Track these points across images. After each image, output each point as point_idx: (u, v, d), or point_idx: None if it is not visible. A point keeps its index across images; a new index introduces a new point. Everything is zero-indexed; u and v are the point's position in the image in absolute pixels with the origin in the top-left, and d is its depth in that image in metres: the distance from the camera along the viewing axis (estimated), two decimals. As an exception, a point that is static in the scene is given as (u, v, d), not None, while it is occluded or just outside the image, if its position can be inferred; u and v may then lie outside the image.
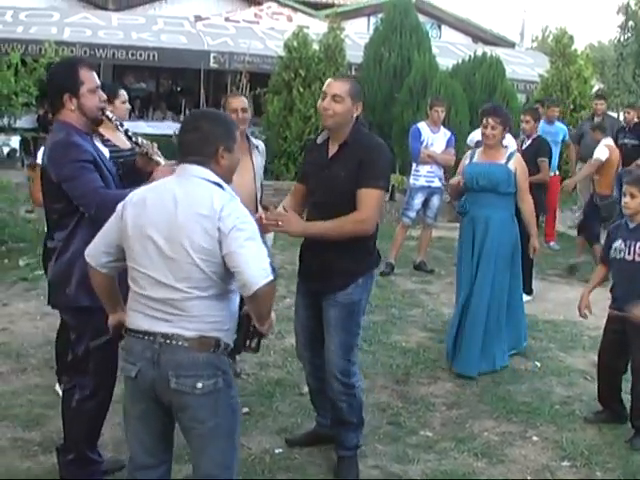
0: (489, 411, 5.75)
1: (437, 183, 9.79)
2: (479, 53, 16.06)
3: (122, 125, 4.54)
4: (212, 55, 16.88)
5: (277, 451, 5.02)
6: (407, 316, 8.05)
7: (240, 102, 5.77)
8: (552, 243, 11.85)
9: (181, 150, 3.40)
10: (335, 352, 4.59)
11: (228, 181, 3.43)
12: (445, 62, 16.39)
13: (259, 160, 5.93)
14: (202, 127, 3.36)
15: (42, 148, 5.69)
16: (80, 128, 4.12)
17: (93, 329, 4.05)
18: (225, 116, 3.62)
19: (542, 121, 10.88)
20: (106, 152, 4.66)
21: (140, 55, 16.62)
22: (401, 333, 7.48)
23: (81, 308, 4.10)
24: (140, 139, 4.52)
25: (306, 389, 5.82)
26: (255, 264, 3.17)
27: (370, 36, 16.79)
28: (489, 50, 16.56)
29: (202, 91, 16.49)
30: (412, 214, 9.88)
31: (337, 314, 4.55)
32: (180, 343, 3.26)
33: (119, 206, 3.42)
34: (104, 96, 4.25)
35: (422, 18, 18.24)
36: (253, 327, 3.45)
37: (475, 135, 10.10)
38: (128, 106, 5.83)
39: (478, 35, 23.02)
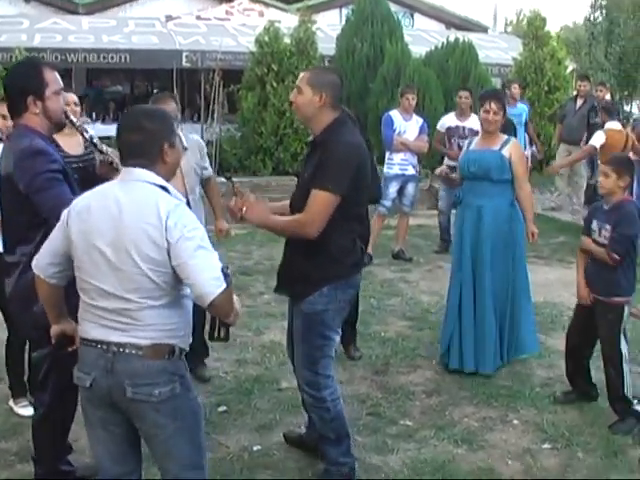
0: (469, 397, 5.70)
1: (411, 171, 9.72)
2: (452, 39, 15.98)
3: (86, 131, 4.41)
4: (184, 54, 16.72)
5: (255, 448, 4.96)
6: (386, 306, 7.99)
7: (171, 109, 5.48)
8: None
9: (123, 152, 3.27)
10: (300, 362, 4.47)
11: (171, 177, 3.34)
12: (419, 50, 16.29)
13: (190, 160, 5.73)
14: (144, 126, 3.23)
15: None
16: (43, 133, 3.92)
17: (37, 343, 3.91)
18: (163, 111, 3.50)
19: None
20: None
21: (112, 58, 16.44)
22: (380, 323, 7.42)
23: (49, 327, 3.88)
24: (105, 147, 4.40)
25: (284, 384, 5.82)
26: (207, 275, 3.09)
27: (342, 27, 16.69)
28: (462, 36, 16.48)
29: (175, 91, 16.35)
30: (387, 203, 9.78)
31: (299, 324, 4.40)
32: (134, 352, 3.19)
33: (63, 214, 3.31)
34: (67, 98, 4.11)
35: (394, 7, 18.13)
36: (219, 319, 3.40)
37: (446, 120, 10.06)
38: (78, 109, 5.68)
39: (451, 21, 22.92)
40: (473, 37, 17.19)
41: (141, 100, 20.95)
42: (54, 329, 3.56)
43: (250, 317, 7.35)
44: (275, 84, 14.87)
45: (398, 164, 9.71)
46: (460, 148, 8.24)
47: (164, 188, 3.22)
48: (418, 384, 5.97)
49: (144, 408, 3.23)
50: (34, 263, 3.40)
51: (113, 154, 4.28)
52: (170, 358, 3.26)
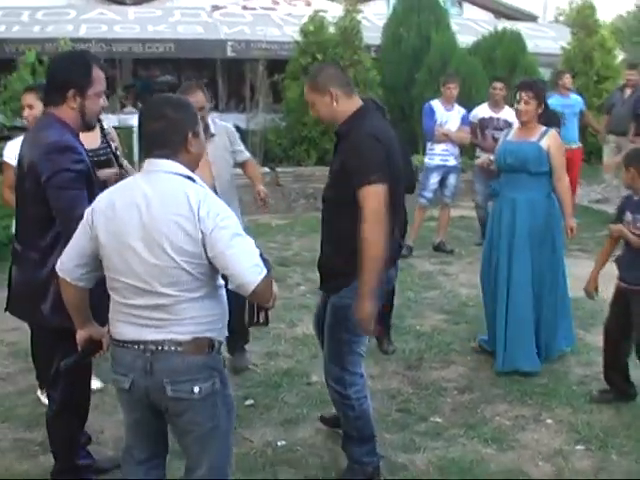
0: (502, 395, 5.53)
1: (453, 162, 9.54)
2: (500, 28, 15.72)
3: (113, 141, 4.33)
4: (229, 44, 16.70)
5: (280, 444, 4.86)
6: (423, 299, 7.84)
7: (195, 102, 5.52)
8: None
9: (146, 142, 3.15)
10: (327, 357, 4.37)
11: (195, 167, 3.23)
12: (466, 39, 16.06)
13: (218, 146, 5.69)
14: (167, 114, 3.11)
15: (9, 143, 5.53)
16: (74, 128, 3.79)
17: (64, 349, 3.74)
18: (186, 100, 3.38)
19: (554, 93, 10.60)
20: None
21: (157, 48, 16.49)
22: (416, 317, 7.28)
23: (55, 329, 3.84)
24: (125, 162, 4.32)
25: (314, 378, 5.71)
26: (246, 263, 3.00)
27: (388, 16, 16.51)
28: (510, 25, 16.20)
29: (219, 81, 16.34)
30: (428, 194, 9.66)
31: (329, 319, 4.29)
32: (173, 348, 3.10)
33: (86, 213, 3.19)
34: (105, 102, 3.98)
35: (441, -4, 17.91)
36: (257, 304, 3.31)
37: (479, 111, 9.83)
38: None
39: (500, 10, 22.61)
40: (522, 26, 16.89)
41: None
42: (80, 334, 3.46)
43: (285, 309, 7.25)
44: (321, 73, 14.73)
45: (439, 155, 9.54)
46: (495, 140, 8.06)
47: (190, 178, 3.12)
48: (451, 380, 5.82)
49: (184, 405, 3.16)
50: (59, 266, 3.28)
51: (131, 171, 4.20)
52: (210, 352, 3.17)
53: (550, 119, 7.96)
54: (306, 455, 4.70)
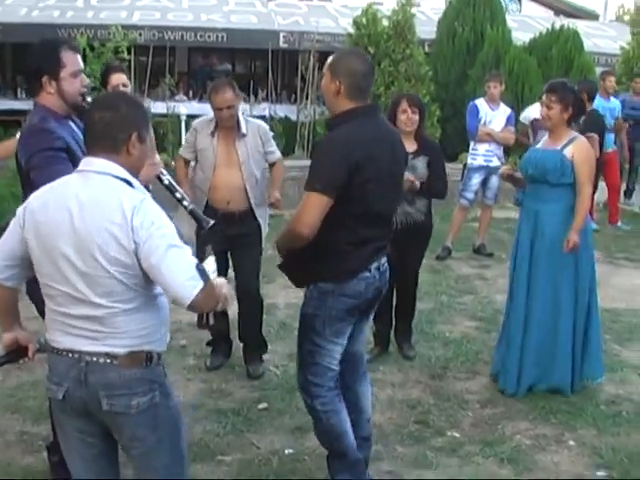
0: (526, 411, 5.28)
1: (496, 162, 9.22)
2: (557, 26, 15.33)
3: (163, 174, 4.24)
4: (281, 35, 16.58)
5: (287, 452, 4.71)
6: (456, 304, 7.60)
7: (224, 100, 5.45)
8: (619, 223, 11.20)
9: (89, 132, 2.99)
10: (298, 360, 4.22)
11: (136, 173, 3.05)
12: (523, 36, 15.74)
13: (249, 146, 5.64)
14: (118, 108, 2.96)
15: None
16: (59, 113, 3.83)
17: None
18: (141, 103, 3.20)
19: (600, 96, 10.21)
20: None
21: (209, 36, 16.43)
22: (446, 322, 7.05)
23: None
24: (179, 194, 4.19)
25: (332, 384, 5.51)
26: (180, 278, 2.81)
27: (443, 10, 16.22)
28: (569, 23, 15.79)
29: (270, 72, 16.24)
30: (470, 195, 9.41)
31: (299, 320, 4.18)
32: (109, 361, 2.94)
33: (19, 211, 3.03)
34: (86, 80, 3.94)
35: (501, -8, 17.55)
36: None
37: (531, 112, 9.50)
38: (128, 89, 5.53)
39: (560, 8, 22.18)
40: (581, 25, 16.51)
41: (243, 79, 21.04)
42: (7, 337, 3.26)
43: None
44: (372, 67, 14.52)
45: (482, 155, 9.27)
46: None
47: (128, 182, 2.94)
48: (474, 392, 5.59)
49: (122, 420, 3.00)
50: None
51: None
52: (148, 365, 3.00)
53: (592, 124, 7.58)
54: (312, 467, 4.52)
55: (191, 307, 2.87)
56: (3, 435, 4.85)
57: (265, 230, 5.83)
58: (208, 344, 6.08)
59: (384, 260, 4.09)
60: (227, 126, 5.56)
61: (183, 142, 6.42)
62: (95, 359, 2.93)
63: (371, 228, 3.91)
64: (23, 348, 3.24)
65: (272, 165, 5.91)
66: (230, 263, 5.81)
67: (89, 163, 2.96)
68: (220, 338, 6.04)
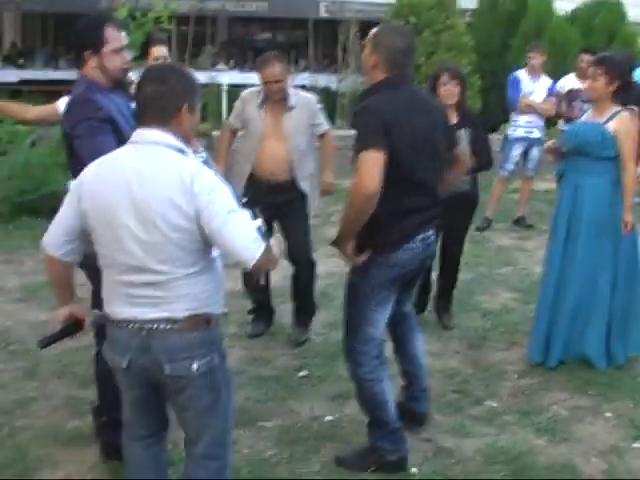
0: (563, 382, 5.31)
1: (537, 134, 9.19)
2: (601, -4, 15.15)
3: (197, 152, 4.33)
4: (322, 5, 16.58)
5: (327, 418, 4.79)
6: (496, 275, 7.64)
7: (272, 74, 5.51)
8: None
9: (142, 105, 3.05)
10: (344, 329, 4.30)
11: (187, 141, 3.12)
12: (565, 6, 15.54)
13: (297, 119, 5.69)
14: (169, 80, 3.03)
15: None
16: (102, 84, 3.92)
17: None
18: (191, 74, 3.25)
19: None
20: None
21: (250, 6, 16.48)
22: (486, 293, 7.09)
23: None
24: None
25: (374, 352, 5.58)
26: (243, 239, 2.91)
27: (486, -19, 16.08)
28: (612, -8, 15.58)
29: (311, 42, 16.23)
30: (510, 166, 9.38)
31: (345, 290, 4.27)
32: (169, 326, 3.03)
33: (73, 186, 3.12)
34: (128, 57, 4.02)
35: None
36: None
37: (565, 82, 9.44)
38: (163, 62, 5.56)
39: (604, -24, 21.80)
40: (625, -6, 16.24)
41: (283, 48, 21.03)
42: (63, 311, 3.34)
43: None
44: (413, 37, 14.44)
45: (523, 126, 9.24)
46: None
47: (181, 151, 3.02)
48: (512, 363, 5.63)
49: (182, 382, 3.11)
50: (44, 243, 3.19)
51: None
52: (207, 328, 3.10)
53: (631, 93, 7.45)
54: (351, 433, 4.59)
55: (254, 268, 2.95)
56: (50, 399, 4.98)
57: (316, 205, 5.90)
58: (250, 312, 6.18)
59: (431, 232, 4.15)
60: (275, 99, 5.62)
61: (224, 112, 6.50)
62: (156, 326, 3.03)
63: (414, 197, 3.97)
64: (79, 321, 3.34)
65: (320, 138, 5.94)
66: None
67: (142, 134, 3.03)
68: (262, 306, 6.13)
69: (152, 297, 3.01)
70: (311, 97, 5.92)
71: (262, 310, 6.14)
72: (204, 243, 2.99)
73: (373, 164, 3.73)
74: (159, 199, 2.91)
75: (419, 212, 4.02)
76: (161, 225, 2.92)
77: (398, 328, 4.52)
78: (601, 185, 5.40)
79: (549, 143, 6.01)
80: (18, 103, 6.57)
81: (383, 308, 4.12)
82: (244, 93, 5.90)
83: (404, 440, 4.30)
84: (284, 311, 6.24)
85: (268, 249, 2.98)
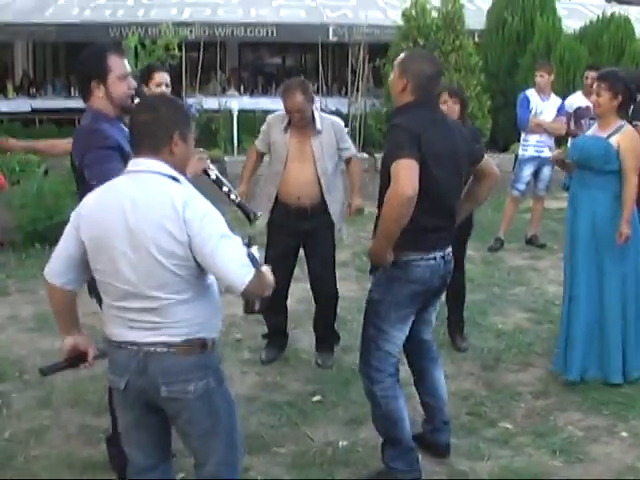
0: (578, 402, 5.29)
1: (547, 153, 9.13)
2: (608, 13, 15.14)
3: (211, 168, 4.36)
4: (331, 28, 16.60)
5: (341, 444, 4.77)
6: (509, 295, 7.61)
7: (293, 104, 5.52)
8: None
9: (134, 134, 3.15)
10: (360, 351, 4.38)
11: (181, 170, 3.18)
12: (574, 24, 15.56)
13: (324, 143, 5.68)
14: (159, 109, 3.13)
15: None
16: (109, 114, 3.99)
17: None
18: (184, 104, 3.38)
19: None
20: None
21: (259, 32, 16.53)
22: (499, 314, 7.06)
23: None
24: (227, 188, 4.29)
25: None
26: (233, 266, 2.98)
27: (493, 0, 16.13)
28: (620, 10, 15.60)
29: (320, 65, 16.28)
30: (521, 186, 9.36)
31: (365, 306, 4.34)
32: (166, 350, 3.09)
33: (73, 216, 3.19)
34: (134, 83, 4.09)
35: (551, -21, 17.37)
36: None
37: (573, 100, 9.46)
38: (165, 89, 5.58)
39: (611, -6, 21.84)
40: (633, 11, 16.27)
41: (293, 73, 21.13)
42: (67, 341, 3.39)
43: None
44: (421, 59, 14.48)
45: (533, 146, 9.21)
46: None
47: (175, 179, 3.09)
48: (527, 384, 5.61)
49: (179, 405, 3.16)
50: (46, 272, 3.25)
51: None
52: (203, 352, 3.15)
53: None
54: (365, 457, 4.59)
55: (244, 293, 3.03)
56: (64, 428, 4.98)
57: (344, 230, 5.93)
58: (264, 337, 6.17)
59: (449, 250, 4.25)
60: (299, 125, 5.64)
61: (235, 137, 6.53)
62: (153, 349, 3.09)
63: (435, 217, 4.09)
64: (83, 353, 3.38)
65: (346, 162, 5.94)
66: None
67: (137, 164, 3.12)
68: (276, 331, 6.12)
69: (149, 322, 3.08)
70: (337, 120, 5.92)
71: (276, 335, 6.13)
72: (198, 269, 3.05)
73: (410, 170, 3.85)
74: (152, 226, 2.98)
75: (437, 231, 4.14)
76: (154, 252, 2.98)
77: (420, 361, 4.58)
78: (604, 199, 5.50)
79: (555, 153, 6.07)
80: (44, 140, 6.64)
81: (403, 325, 4.20)
82: (270, 117, 5.91)
83: (418, 461, 4.33)
84: (297, 335, 6.25)
85: (260, 275, 3.03)
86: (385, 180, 3.98)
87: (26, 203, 9.17)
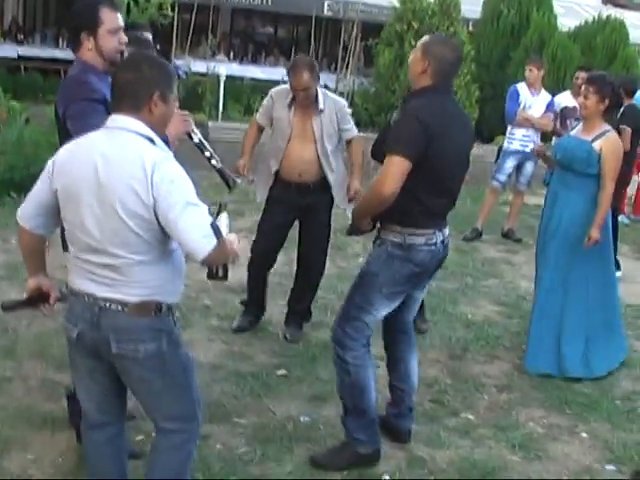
0: (541, 399, 5.31)
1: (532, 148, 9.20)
2: (604, 15, 15.18)
3: (194, 132, 4.30)
4: (326, 3, 16.56)
5: (303, 419, 4.76)
6: (481, 286, 7.62)
7: (300, 83, 5.47)
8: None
9: (115, 91, 3.13)
10: (336, 317, 4.41)
11: (160, 131, 3.17)
12: (569, 22, 15.61)
13: (325, 122, 5.61)
14: (141, 68, 3.10)
15: None
16: (97, 67, 3.92)
17: None
18: (168, 65, 3.30)
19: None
20: None
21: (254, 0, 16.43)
22: (470, 304, 7.07)
23: None
24: (209, 153, 4.24)
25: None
26: (196, 234, 2.97)
27: (491, -9, 16.11)
28: (615, 12, 15.65)
29: (312, 39, 16.19)
30: (502, 177, 9.38)
31: (357, 276, 4.34)
32: (120, 308, 3.09)
33: (48, 163, 3.19)
34: (125, 38, 4.00)
35: (549, -25, 17.36)
36: None
37: (561, 99, 9.44)
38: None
39: (609, -4, 21.91)
40: (628, 15, 16.34)
41: (284, 44, 21.00)
42: (31, 282, 3.40)
43: (338, 279, 7.12)
44: (414, 42, 14.37)
45: (519, 140, 9.21)
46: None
47: (150, 140, 3.06)
48: (491, 376, 5.62)
49: (129, 364, 3.17)
50: (18, 214, 3.27)
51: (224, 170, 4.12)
52: (157, 315, 3.15)
53: (629, 118, 7.61)
54: (326, 435, 4.57)
55: (204, 262, 3.03)
56: (25, 380, 4.94)
57: (344, 204, 5.86)
58: (241, 303, 6.14)
59: (447, 232, 4.29)
60: (304, 104, 5.59)
61: (220, 103, 6.41)
62: (108, 305, 3.09)
63: (439, 201, 4.16)
64: (45, 294, 3.38)
65: (347, 143, 5.85)
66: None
67: (114, 120, 3.09)
68: (253, 301, 6.08)
69: (108, 277, 3.08)
70: (341, 101, 5.87)
71: (252, 305, 6.09)
72: (162, 233, 3.04)
73: (398, 169, 3.90)
74: (119, 184, 2.96)
75: (441, 213, 4.22)
76: (119, 210, 2.97)
77: (398, 345, 4.59)
78: (581, 201, 5.62)
79: (538, 145, 6.13)
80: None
81: (390, 302, 4.23)
82: (272, 91, 5.86)
83: (379, 435, 4.37)
84: (267, 307, 6.20)
85: (222, 245, 3.03)
86: (379, 147, 4.15)
87: (5, 150, 9.06)
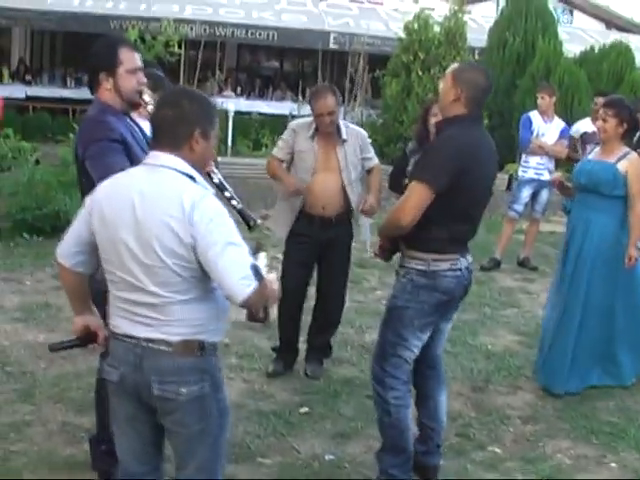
0: (567, 430, 5.23)
1: (547, 176, 9.06)
2: (609, 41, 15.23)
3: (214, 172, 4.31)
4: (332, 36, 16.64)
5: (327, 457, 4.69)
6: (499, 316, 7.55)
7: (325, 106, 5.42)
8: None
9: (154, 128, 3.08)
10: (374, 356, 4.36)
11: (201, 168, 3.12)
12: (574, 48, 15.65)
13: (348, 152, 5.59)
14: (182, 104, 3.03)
15: None
16: (115, 107, 3.92)
17: None
18: (209, 100, 3.23)
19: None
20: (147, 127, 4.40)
21: (259, 34, 16.55)
22: (489, 334, 7.00)
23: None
24: (229, 193, 4.22)
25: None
26: (235, 276, 2.88)
27: (495, 19, 16.18)
28: (621, 37, 15.71)
29: (319, 72, 16.25)
30: (519, 207, 9.33)
31: (383, 317, 4.31)
32: (163, 348, 3.01)
33: (87, 200, 3.14)
34: (143, 79, 4.01)
35: (553, 2, 17.45)
36: None
37: (581, 126, 9.43)
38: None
39: (613, 21, 21.97)
40: (634, 39, 16.38)
41: (291, 78, 21.09)
42: (77, 322, 3.36)
43: (356, 313, 7.10)
44: (420, 73, 14.54)
45: (533, 168, 9.18)
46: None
47: (191, 177, 3.00)
48: (516, 408, 5.54)
49: (170, 405, 3.08)
50: (58, 252, 3.21)
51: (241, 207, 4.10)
52: (201, 354, 3.07)
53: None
54: (352, 472, 4.52)
55: (243, 305, 2.94)
56: (45, 424, 4.87)
57: (367, 237, 5.84)
58: (273, 350, 6.03)
59: (470, 259, 4.26)
60: (327, 131, 5.52)
61: (229, 138, 6.38)
62: (150, 345, 3.02)
63: (462, 227, 4.15)
64: (93, 334, 3.33)
65: (369, 172, 5.84)
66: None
67: (155, 157, 3.04)
68: (287, 343, 5.95)
69: (148, 317, 3.02)
70: (360, 130, 5.88)
71: (287, 347, 5.95)
72: (202, 272, 2.96)
73: (420, 198, 3.91)
74: (156, 221, 2.91)
75: (461, 242, 4.19)
76: (157, 249, 2.91)
77: (428, 381, 4.53)
78: (610, 223, 5.66)
79: (556, 175, 6.14)
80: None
81: (422, 334, 4.19)
82: (293, 124, 5.81)
83: (411, 471, 4.33)
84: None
85: (262, 287, 2.94)
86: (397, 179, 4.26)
87: (17, 191, 9.07)
